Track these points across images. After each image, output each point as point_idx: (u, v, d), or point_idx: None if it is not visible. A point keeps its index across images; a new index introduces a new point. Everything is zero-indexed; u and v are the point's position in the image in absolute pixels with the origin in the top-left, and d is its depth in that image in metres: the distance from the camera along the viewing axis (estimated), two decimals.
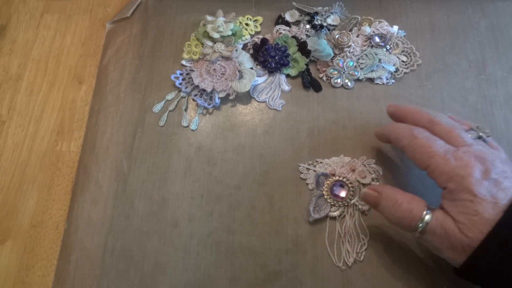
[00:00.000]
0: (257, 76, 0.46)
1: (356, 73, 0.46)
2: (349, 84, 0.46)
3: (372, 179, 0.40)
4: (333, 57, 0.46)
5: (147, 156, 0.43)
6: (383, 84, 0.46)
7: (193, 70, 0.46)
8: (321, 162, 0.41)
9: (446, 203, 0.30)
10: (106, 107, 0.46)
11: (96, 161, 0.44)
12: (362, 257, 0.38)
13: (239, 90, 0.44)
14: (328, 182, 0.40)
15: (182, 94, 0.46)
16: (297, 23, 0.49)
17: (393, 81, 0.46)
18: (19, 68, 0.49)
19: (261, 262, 0.39)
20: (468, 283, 0.31)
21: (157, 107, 0.46)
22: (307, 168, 0.41)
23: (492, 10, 0.50)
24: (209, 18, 0.49)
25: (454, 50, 0.48)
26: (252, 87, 0.46)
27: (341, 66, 0.46)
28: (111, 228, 0.40)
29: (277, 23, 0.49)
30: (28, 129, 0.46)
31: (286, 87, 0.46)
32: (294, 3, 0.50)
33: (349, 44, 0.47)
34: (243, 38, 0.48)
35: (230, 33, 0.47)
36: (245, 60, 0.47)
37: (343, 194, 0.40)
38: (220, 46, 0.46)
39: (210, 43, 0.47)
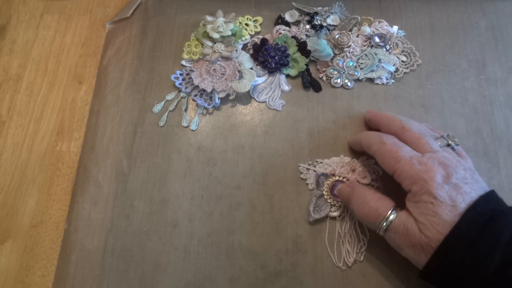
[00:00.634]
0: (257, 76, 0.46)
1: (356, 73, 0.46)
2: (349, 84, 0.46)
3: (372, 179, 0.40)
4: (333, 57, 0.46)
5: (147, 156, 0.43)
6: (383, 84, 0.46)
7: (193, 70, 0.46)
8: (321, 162, 0.41)
9: (409, 204, 0.32)
10: (106, 107, 0.46)
11: (96, 161, 0.44)
12: (362, 258, 0.38)
13: (239, 90, 0.44)
14: (328, 182, 0.40)
15: (182, 94, 0.46)
16: (297, 23, 0.49)
17: (393, 81, 0.46)
18: (19, 68, 0.49)
19: (261, 262, 0.39)
20: None
21: (157, 107, 0.46)
22: (307, 168, 0.41)
23: (492, 10, 0.50)
24: (209, 18, 0.49)
25: (454, 50, 0.48)
26: (252, 87, 0.46)
27: (341, 66, 0.46)
28: (111, 228, 0.40)
29: (277, 23, 0.49)
30: (28, 129, 0.46)
31: (286, 87, 0.46)
32: (294, 3, 0.50)
33: (349, 44, 0.47)
34: (243, 38, 0.48)
35: (230, 33, 0.47)
36: (245, 60, 0.47)
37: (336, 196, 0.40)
38: (220, 46, 0.46)
39: (210, 43, 0.47)
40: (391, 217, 0.33)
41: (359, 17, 0.49)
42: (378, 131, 0.39)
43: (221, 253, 0.39)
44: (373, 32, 0.47)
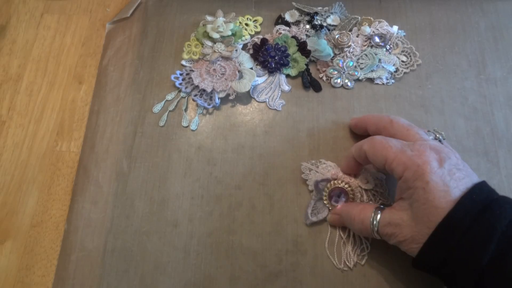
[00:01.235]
0: (257, 76, 0.46)
1: (356, 73, 0.46)
2: (349, 84, 0.46)
3: (376, 185, 0.38)
4: (333, 57, 0.47)
5: (147, 156, 0.43)
6: (383, 84, 0.46)
7: (193, 70, 0.46)
8: (324, 163, 0.40)
9: (400, 192, 0.32)
10: (106, 107, 0.46)
11: (96, 161, 0.44)
12: (364, 261, 0.38)
13: (239, 90, 0.44)
14: (329, 186, 0.39)
15: (182, 94, 0.46)
16: (297, 23, 0.49)
17: (393, 81, 0.46)
18: (19, 68, 0.49)
19: (261, 262, 0.39)
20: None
21: (157, 107, 0.46)
22: (309, 169, 0.41)
23: (492, 10, 0.50)
24: (209, 18, 0.49)
25: (454, 50, 0.48)
26: (252, 87, 0.46)
27: (341, 66, 0.46)
28: (111, 228, 0.40)
29: (277, 23, 0.49)
30: (28, 129, 0.46)
31: (286, 87, 0.46)
32: (294, 3, 0.50)
33: (349, 44, 0.47)
34: (243, 38, 0.48)
35: (230, 33, 0.47)
36: (245, 60, 0.47)
37: (340, 204, 0.39)
38: (220, 46, 0.46)
39: (210, 43, 0.47)
40: (374, 222, 0.33)
41: (359, 17, 0.49)
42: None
43: (221, 253, 0.39)
44: (373, 32, 0.47)
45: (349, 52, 0.47)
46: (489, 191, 0.30)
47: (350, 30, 0.48)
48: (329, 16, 0.49)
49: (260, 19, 0.50)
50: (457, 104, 0.45)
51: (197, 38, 0.48)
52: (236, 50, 0.46)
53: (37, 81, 0.49)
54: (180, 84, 0.46)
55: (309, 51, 0.47)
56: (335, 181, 0.39)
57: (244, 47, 0.48)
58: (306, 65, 0.47)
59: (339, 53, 0.47)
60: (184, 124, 0.45)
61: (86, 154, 0.44)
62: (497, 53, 0.47)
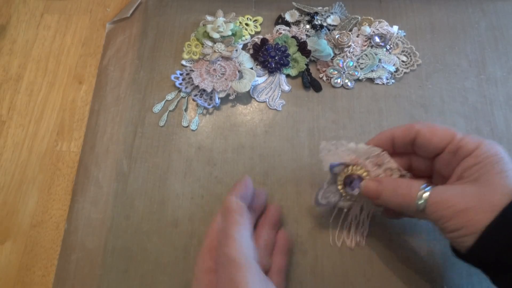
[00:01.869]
0: (257, 76, 0.46)
1: (356, 73, 0.46)
2: (349, 84, 0.46)
3: (401, 176, 0.34)
4: (333, 57, 0.47)
5: (147, 156, 0.43)
6: (383, 84, 0.46)
7: (193, 70, 0.46)
8: (345, 146, 0.35)
9: (462, 172, 0.29)
10: (106, 107, 0.46)
11: (96, 161, 0.44)
12: (364, 242, 0.38)
13: (239, 90, 0.44)
14: (346, 171, 0.34)
15: (182, 94, 0.46)
16: (297, 23, 0.49)
17: (393, 81, 0.46)
18: (19, 68, 0.49)
19: None
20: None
21: (157, 107, 0.46)
22: (328, 149, 0.35)
23: (492, 10, 0.50)
24: (209, 18, 0.49)
25: (454, 50, 0.48)
26: (252, 87, 0.46)
27: (341, 66, 0.46)
28: (111, 228, 0.40)
29: (277, 23, 0.49)
30: (28, 129, 0.46)
31: (286, 87, 0.46)
32: (294, 3, 0.50)
33: (349, 44, 0.47)
34: (243, 38, 0.48)
35: (230, 33, 0.47)
36: (245, 60, 0.47)
37: (356, 191, 0.34)
38: (220, 46, 0.46)
39: (210, 43, 0.47)
40: (425, 195, 0.29)
41: (359, 17, 0.49)
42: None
43: None
44: (373, 32, 0.47)
45: (349, 52, 0.47)
46: None
47: (350, 30, 0.48)
48: (329, 16, 0.49)
49: (260, 19, 0.50)
50: (457, 104, 0.45)
51: (197, 38, 0.48)
52: (236, 50, 0.46)
53: (37, 81, 0.49)
54: (180, 84, 0.46)
55: (309, 51, 0.47)
56: (354, 167, 0.34)
57: (244, 47, 0.48)
58: (306, 65, 0.47)
59: (339, 53, 0.47)
60: (184, 124, 0.45)
61: (86, 154, 0.44)
62: (497, 53, 0.47)
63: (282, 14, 0.50)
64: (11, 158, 0.45)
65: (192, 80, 0.46)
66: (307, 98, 0.46)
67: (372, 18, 0.48)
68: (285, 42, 0.47)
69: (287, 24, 0.49)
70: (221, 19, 0.47)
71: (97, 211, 0.41)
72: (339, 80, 0.46)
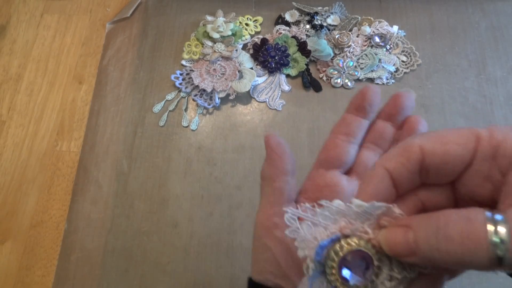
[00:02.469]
0: (257, 76, 0.46)
1: (356, 73, 0.46)
2: (349, 84, 0.46)
3: None
4: (333, 57, 0.46)
5: (147, 156, 0.43)
6: (383, 84, 0.46)
7: (193, 70, 0.46)
8: (327, 207, 0.20)
9: None
10: (106, 107, 0.46)
11: (96, 161, 0.43)
12: None
13: (239, 90, 0.44)
14: (338, 248, 0.20)
15: (182, 94, 0.46)
16: (297, 23, 0.49)
17: (393, 81, 0.46)
18: (19, 68, 0.49)
19: None
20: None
21: (157, 107, 0.46)
22: (300, 219, 0.20)
23: (492, 10, 0.50)
24: (209, 18, 0.49)
25: (454, 50, 0.48)
26: (252, 87, 0.46)
27: (341, 66, 0.46)
28: (111, 228, 0.40)
29: (277, 23, 0.49)
30: (28, 129, 0.46)
31: (286, 87, 0.46)
32: (294, 3, 0.50)
33: (349, 44, 0.46)
34: (243, 38, 0.48)
35: (230, 33, 0.47)
36: (245, 60, 0.47)
37: (359, 280, 0.20)
38: (220, 46, 0.46)
39: (210, 43, 0.47)
40: (502, 230, 0.16)
41: (359, 17, 0.49)
42: None
43: (221, 253, 0.39)
44: (373, 32, 0.47)
45: (349, 52, 0.47)
46: None
47: (350, 30, 0.48)
48: (329, 16, 0.49)
49: (260, 19, 0.50)
50: (457, 103, 0.45)
51: (197, 38, 0.48)
52: (236, 50, 0.46)
53: (37, 81, 0.49)
54: (180, 84, 0.46)
55: (309, 51, 0.47)
56: (349, 240, 0.20)
57: (244, 47, 0.48)
58: (306, 65, 0.47)
59: (339, 53, 0.47)
60: (184, 124, 0.45)
61: (86, 154, 0.44)
62: (497, 53, 0.47)
63: (282, 14, 0.50)
64: (11, 158, 0.45)
65: (192, 80, 0.46)
66: (307, 98, 0.46)
67: (372, 18, 0.48)
68: (285, 42, 0.47)
69: (287, 24, 0.49)
70: (221, 19, 0.47)
71: (97, 211, 0.41)
72: (339, 80, 0.46)
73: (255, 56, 0.47)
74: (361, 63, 0.46)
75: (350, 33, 0.47)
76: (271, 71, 0.46)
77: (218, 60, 0.46)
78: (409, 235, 0.18)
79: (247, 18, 0.50)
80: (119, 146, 0.44)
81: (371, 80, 0.46)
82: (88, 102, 0.47)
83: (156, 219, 0.41)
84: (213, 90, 0.45)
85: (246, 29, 0.49)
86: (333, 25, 0.49)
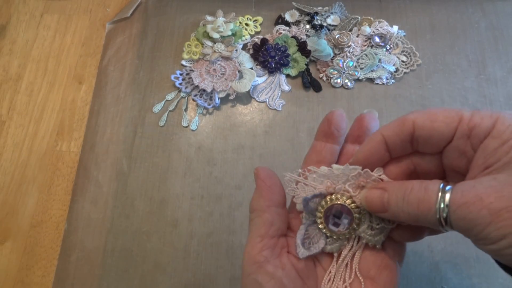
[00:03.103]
0: (257, 76, 0.46)
1: (356, 73, 0.46)
2: (349, 84, 0.46)
3: None
4: (333, 57, 0.47)
5: (147, 156, 0.43)
6: (383, 84, 0.46)
7: (193, 70, 0.46)
8: (315, 172, 0.27)
9: (484, 161, 0.22)
10: (106, 107, 0.46)
11: (96, 161, 0.44)
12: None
13: (239, 90, 0.44)
14: (323, 203, 0.26)
15: (182, 94, 0.46)
16: (297, 23, 0.49)
17: (393, 81, 0.46)
18: (19, 68, 0.49)
19: None
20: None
21: (157, 107, 0.46)
22: (295, 181, 0.28)
23: (492, 10, 0.50)
24: (209, 18, 0.49)
25: (454, 50, 0.48)
26: (252, 87, 0.46)
27: (341, 66, 0.46)
28: (111, 228, 0.40)
29: (277, 23, 0.49)
30: (28, 129, 0.46)
31: (286, 87, 0.46)
32: (294, 3, 0.50)
33: (349, 44, 0.47)
34: (243, 38, 0.48)
35: (230, 33, 0.47)
36: (245, 60, 0.47)
37: (341, 228, 0.26)
38: (220, 46, 0.46)
39: (210, 43, 0.47)
40: (446, 197, 0.21)
41: (359, 17, 0.49)
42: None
43: (221, 253, 0.39)
44: (373, 32, 0.47)
45: (349, 52, 0.47)
46: None
47: (350, 30, 0.48)
48: (329, 16, 0.49)
49: (260, 19, 0.50)
50: (457, 104, 0.45)
51: (197, 38, 0.48)
52: (236, 50, 0.46)
53: (37, 81, 0.49)
54: (180, 84, 0.46)
55: (309, 51, 0.47)
56: (332, 196, 0.26)
57: (244, 47, 0.48)
58: (306, 65, 0.47)
59: (339, 53, 0.47)
60: (184, 124, 0.45)
61: (86, 154, 0.44)
62: (497, 53, 0.47)
63: (282, 14, 0.50)
64: (11, 158, 0.45)
65: (192, 80, 0.46)
66: (307, 98, 0.46)
67: (372, 18, 0.48)
68: (285, 42, 0.47)
69: (287, 24, 0.49)
70: (221, 19, 0.47)
71: (97, 211, 0.41)
72: (339, 80, 0.46)
73: (255, 56, 0.47)
74: (361, 63, 0.46)
75: (350, 33, 0.47)
76: (271, 71, 0.47)
77: (218, 60, 0.46)
78: (384, 196, 0.24)
79: (247, 18, 0.50)
80: (119, 146, 0.44)
81: (371, 80, 0.46)
82: (88, 102, 0.47)
83: (156, 219, 0.41)
84: (213, 90, 0.45)
85: (246, 29, 0.49)
86: (333, 25, 0.49)
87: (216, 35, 0.46)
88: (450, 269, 0.36)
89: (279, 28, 0.49)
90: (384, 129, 0.25)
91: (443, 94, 0.45)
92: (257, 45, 0.47)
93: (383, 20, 0.48)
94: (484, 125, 0.22)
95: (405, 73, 0.46)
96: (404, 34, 0.48)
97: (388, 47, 0.47)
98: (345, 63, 0.46)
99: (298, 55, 0.46)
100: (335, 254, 0.27)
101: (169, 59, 0.48)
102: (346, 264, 0.26)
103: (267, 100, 0.46)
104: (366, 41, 0.47)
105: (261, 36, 0.48)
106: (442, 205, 0.21)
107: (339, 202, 0.26)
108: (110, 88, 0.47)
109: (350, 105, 0.45)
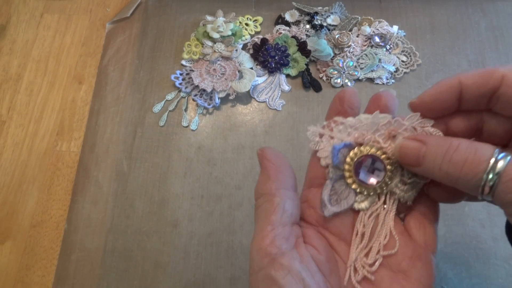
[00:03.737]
0: (257, 76, 0.46)
1: (356, 73, 0.46)
2: (349, 84, 0.46)
3: None
4: (333, 57, 0.47)
5: (147, 156, 0.43)
6: (383, 84, 0.46)
7: (193, 70, 0.46)
8: (341, 123, 0.24)
9: None
10: (106, 107, 0.46)
11: (96, 161, 0.44)
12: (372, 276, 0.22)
13: (239, 90, 0.44)
14: (352, 156, 0.24)
15: (182, 94, 0.46)
16: (297, 23, 0.49)
17: (393, 81, 0.46)
18: (19, 68, 0.49)
19: None
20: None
21: (157, 107, 0.46)
22: (320, 134, 0.25)
23: (492, 10, 0.50)
24: (209, 18, 0.49)
25: (454, 50, 0.48)
26: (252, 87, 0.46)
27: (341, 66, 0.46)
28: (111, 228, 0.40)
29: (277, 23, 0.49)
30: (28, 129, 0.46)
31: (286, 87, 0.46)
32: (294, 3, 0.50)
33: (349, 44, 0.47)
34: (243, 38, 0.48)
35: (230, 33, 0.47)
36: (245, 60, 0.47)
37: (373, 180, 0.24)
38: (220, 46, 0.46)
39: (210, 43, 0.47)
40: (500, 160, 0.19)
41: (359, 17, 0.49)
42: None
43: (221, 253, 0.39)
44: (373, 32, 0.47)
45: (349, 52, 0.47)
46: None
47: (350, 30, 0.48)
48: (329, 16, 0.49)
49: (260, 19, 0.50)
50: None
51: (197, 38, 0.48)
52: (236, 50, 0.46)
53: (37, 81, 0.49)
54: (180, 84, 0.46)
55: (309, 51, 0.47)
56: (361, 148, 0.24)
57: (244, 47, 0.48)
58: (306, 65, 0.47)
59: (339, 53, 0.47)
60: (184, 124, 0.45)
61: (86, 154, 0.44)
62: (497, 53, 0.47)
63: (282, 14, 0.50)
64: (11, 158, 0.45)
65: (192, 80, 0.46)
66: (307, 98, 0.46)
67: (372, 18, 0.48)
68: (285, 42, 0.47)
69: (287, 24, 0.49)
70: (221, 19, 0.47)
71: (97, 211, 0.41)
72: (339, 80, 0.46)
73: (255, 56, 0.47)
74: (361, 63, 0.46)
75: (350, 33, 0.47)
76: (271, 71, 0.47)
77: (218, 60, 0.46)
78: (422, 148, 0.21)
79: (247, 18, 0.50)
80: (119, 146, 0.44)
81: (371, 80, 0.46)
82: (88, 102, 0.47)
83: (156, 219, 0.41)
84: (213, 90, 0.45)
85: (246, 29, 0.49)
86: (333, 25, 0.49)
87: (216, 35, 0.46)
88: (450, 269, 0.36)
89: (279, 28, 0.49)
90: (464, 76, 0.21)
91: None
92: (257, 45, 0.47)
93: (383, 20, 0.48)
94: None
95: (405, 73, 0.46)
96: (404, 34, 0.48)
97: (388, 47, 0.47)
98: (345, 63, 0.46)
99: (298, 55, 0.46)
100: (366, 211, 0.24)
101: (169, 59, 0.48)
102: (378, 224, 0.23)
103: (267, 100, 0.46)
104: (366, 41, 0.47)
105: (261, 36, 0.48)
106: (491, 175, 0.19)
107: (370, 153, 0.23)
108: (110, 88, 0.47)
109: None
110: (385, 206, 0.24)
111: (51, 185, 0.43)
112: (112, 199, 0.42)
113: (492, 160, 0.19)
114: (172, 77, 0.46)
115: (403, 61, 0.47)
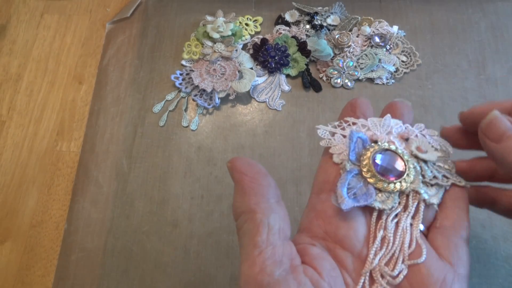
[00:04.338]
0: (257, 76, 0.46)
1: (356, 73, 0.46)
2: (349, 84, 0.46)
3: (439, 158, 0.23)
4: (333, 57, 0.47)
5: (147, 156, 0.43)
6: (383, 84, 0.46)
7: (193, 70, 0.46)
8: (354, 124, 0.24)
9: None
10: (106, 107, 0.46)
11: (96, 161, 0.44)
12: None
13: (239, 90, 0.44)
14: (369, 151, 0.22)
15: (182, 94, 0.46)
16: (297, 23, 0.49)
17: (393, 81, 0.46)
18: (19, 68, 0.49)
19: None
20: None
21: (157, 107, 0.46)
22: (331, 133, 0.24)
23: (492, 10, 0.50)
24: (209, 18, 0.49)
25: (454, 50, 0.48)
26: (252, 87, 0.46)
27: (341, 66, 0.46)
28: (111, 228, 0.40)
29: (277, 23, 0.49)
30: (28, 129, 0.46)
31: (286, 87, 0.46)
32: (294, 3, 0.50)
33: (349, 44, 0.47)
34: (243, 38, 0.48)
35: (230, 33, 0.47)
36: (245, 60, 0.47)
37: (399, 166, 0.22)
38: (220, 46, 0.46)
39: (210, 43, 0.47)
40: None
41: (359, 17, 0.49)
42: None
43: (221, 252, 0.39)
44: (373, 32, 0.47)
45: (349, 52, 0.47)
46: None
47: (350, 30, 0.48)
48: (329, 16, 0.49)
49: (260, 19, 0.50)
50: (457, 104, 0.45)
51: (197, 38, 0.48)
52: (236, 50, 0.46)
53: (37, 81, 0.49)
54: (180, 84, 0.46)
55: (309, 51, 0.47)
56: (379, 143, 0.23)
57: (244, 47, 0.48)
58: (306, 65, 0.47)
59: (339, 53, 0.47)
60: (184, 124, 0.45)
61: (86, 154, 0.44)
62: (497, 53, 0.47)
63: (282, 14, 0.50)
64: (11, 158, 0.45)
65: (192, 80, 0.46)
66: (307, 98, 0.46)
67: (372, 18, 0.48)
68: (285, 42, 0.47)
69: (287, 24, 0.49)
70: (221, 19, 0.47)
71: (97, 211, 0.41)
72: (339, 80, 0.46)
73: (255, 56, 0.47)
74: (361, 63, 0.46)
75: (350, 33, 0.47)
76: (271, 71, 0.47)
77: (218, 60, 0.46)
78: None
79: (247, 18, 0.50)
80: (119, 146, 0.44)
81: (371, 80, 0.46)
82: (88, 102, 0.47)
83: (156, 219, 0.41)
84: (213, 90, 0.45)
85: (246, 29, 0.49)
86: (333, 25, 0.49)
87: (216, 35, 0.46)
88: None
89: (279, 28, 0.49)
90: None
91: (443, 94, 0.45)
92: (257, 45, 0.47)
93: (383, 20, 0.48)
94: None
95: (405, 73, 0.46)
96: (404, 34, 0.48)
97: (388, 47, 0.47)
98: (345, 63, 0.46)
99: (298, 55, 0.46)
100: (387, 211, 0.21)
101: (169, 59, 0.48)
102: (402, 228, 0.20)
103: (267, 100, 0.46)
104: (366, 41, 0.47)
105: (261, 36, 0.48)
106: None
107: (389, 148, 0.22)
108: (110, 88, 0.47)
109: None
110: (408, 209, 0.21)
111: (51, 185, 0.43)
112: (112, 199, 0.42)
113: None
114: (172, 77, 0.46)
115: (403, 61, 0.47)
